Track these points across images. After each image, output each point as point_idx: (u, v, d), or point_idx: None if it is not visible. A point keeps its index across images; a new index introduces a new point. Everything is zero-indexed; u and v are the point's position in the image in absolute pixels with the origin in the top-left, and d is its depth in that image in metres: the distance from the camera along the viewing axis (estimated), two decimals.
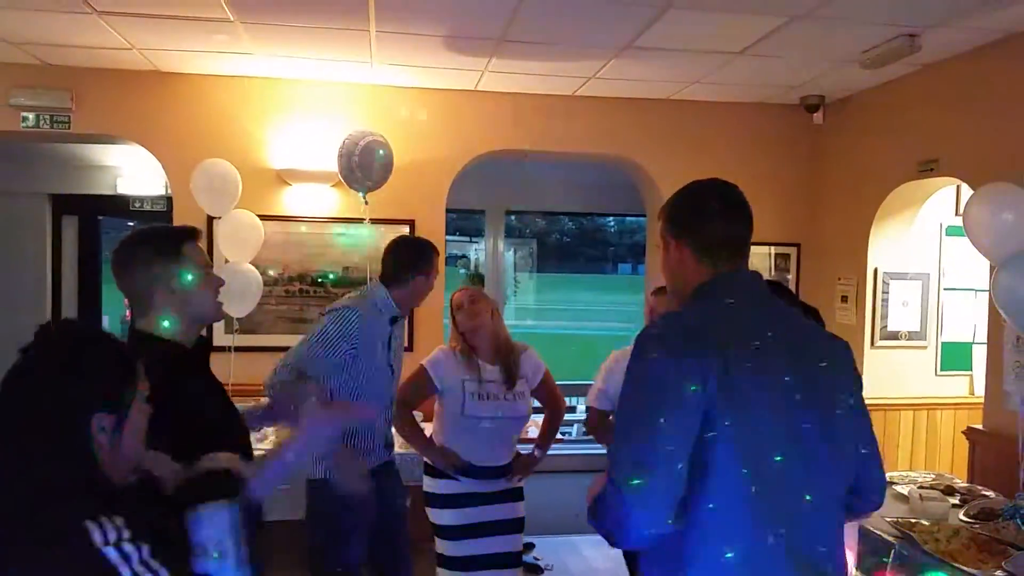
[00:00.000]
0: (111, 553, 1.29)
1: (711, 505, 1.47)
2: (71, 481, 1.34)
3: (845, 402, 1.63)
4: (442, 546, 3.31)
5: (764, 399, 1.51)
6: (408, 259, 3.10)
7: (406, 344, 4.91)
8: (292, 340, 3.17)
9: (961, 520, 3.00)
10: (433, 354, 3.35)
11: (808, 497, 1.53)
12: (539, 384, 3.41)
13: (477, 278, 9.50)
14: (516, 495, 3.38)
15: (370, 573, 3.17)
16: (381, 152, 4.48)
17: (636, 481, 1.44)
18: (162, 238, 2.00)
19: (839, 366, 1.67)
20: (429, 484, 3.33)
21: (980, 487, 3.50)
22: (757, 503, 1.48)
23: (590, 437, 4.07)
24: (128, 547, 1.30)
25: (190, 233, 2.05)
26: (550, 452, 3.50)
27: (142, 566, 1.31)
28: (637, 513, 1.46)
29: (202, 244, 2.07)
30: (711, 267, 1.67)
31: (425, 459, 3.36)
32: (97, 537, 1.29)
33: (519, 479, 3.35)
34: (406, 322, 4.92)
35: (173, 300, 1.94)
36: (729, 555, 1.47)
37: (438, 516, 3.30)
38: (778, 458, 1.50)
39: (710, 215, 1.71)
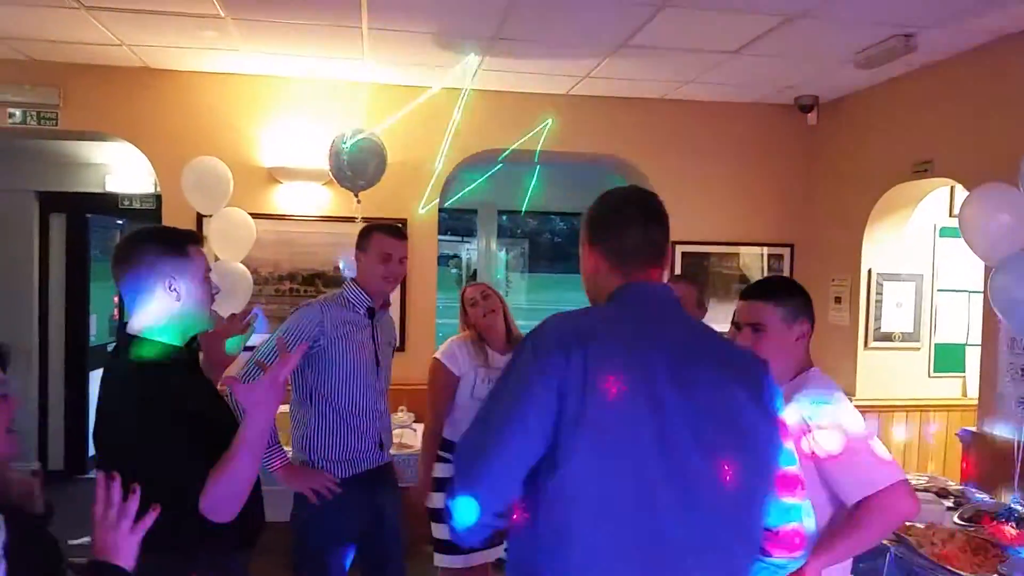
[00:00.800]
0: None
1: (554, 511, 1.41)
2: None
3: (750, 428, 1.50)
4: (437, 530, 3.39)
5: (627, 409, 1.40)
6: (357, 241, 3.10)
7: (397, 344, 4.92)
8: None
9: (955, 523, 2.98)
10: (445, 347, 3.45)
11: (677, 526, 1.41)
12: None
13: (471, 279, 9.48)
14: None
15: None
16: (372, 151, 4.43)
17: (472, 464, 1.45)
18: (169, 238, 2.00)
19: (746, 387, 1.52)
20: (436, 469, 3.43)
21: (974, 489, 3.49)
22: (606, 526, 1.40)
23: None
24: None
25: (194, 237, 2.07)
26: None
27: None
28: (464, 496, 1.43)
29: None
30: (623, 275, 1.61)
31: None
32: None
33: None
34: (397, 322, 4.92)
35: (172, 300, 1.93)
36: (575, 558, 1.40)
37: (438, 500, 3.35)
38: (632, 479, 1.40)
39: (626, 222, 1.63)
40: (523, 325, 3.46)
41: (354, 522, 2.97)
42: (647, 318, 1.55)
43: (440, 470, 3.43)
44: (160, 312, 1.93)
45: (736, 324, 2.19)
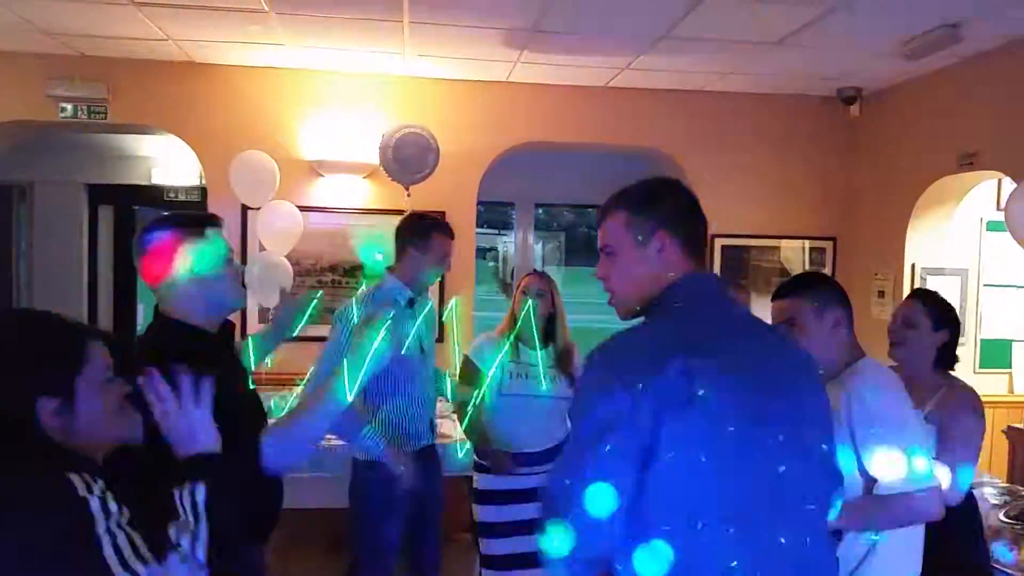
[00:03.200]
0: (94, 503, 1.30)
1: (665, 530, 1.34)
2: (36, 455, 1.37)
3: (824, 435, 1.52)
4: (486, 545, 3.32)
5: (735, 427, 1.36)
6: (401, 235, 3.09)
7: (436, 336, 4.96)
8: (323, 330, 3.14)
9: (1001, 520, 2.94)
10: (476, 341, 3.44)
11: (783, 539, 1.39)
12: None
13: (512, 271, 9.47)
14: None
15: (400, 554, 3.18)
16: (427, 146, 4.42)
17: (559, 522, 1.37)
18: (184, 224, 2.02)
19: (814, 387, 1.55)
20: (477, 480, 3.37)
21: (1021, 488, 3.43)
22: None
23: None
24: (112, 504, 1.32)
25: (211, 220, 2.08)
26: None
27: (118, 528, 1.32)
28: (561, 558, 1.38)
29: (228, 233, 2.11)
30: (693, 264, 1.55)
31: (475, 456, 3.41)
32: (80, 488, 1.30)
33: None
34: (436, 313, 4.96)
35: (194, 284, 1.96)
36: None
37: (484, 513, 3.32)
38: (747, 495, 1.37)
39: (693, 207, 1.60)
40: None
41: (406, 495, 3.01)
42: (721, 316, 1.55)
43: (481, 482, 3.36)
44: (185, 296, 1.97)
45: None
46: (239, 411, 1.96)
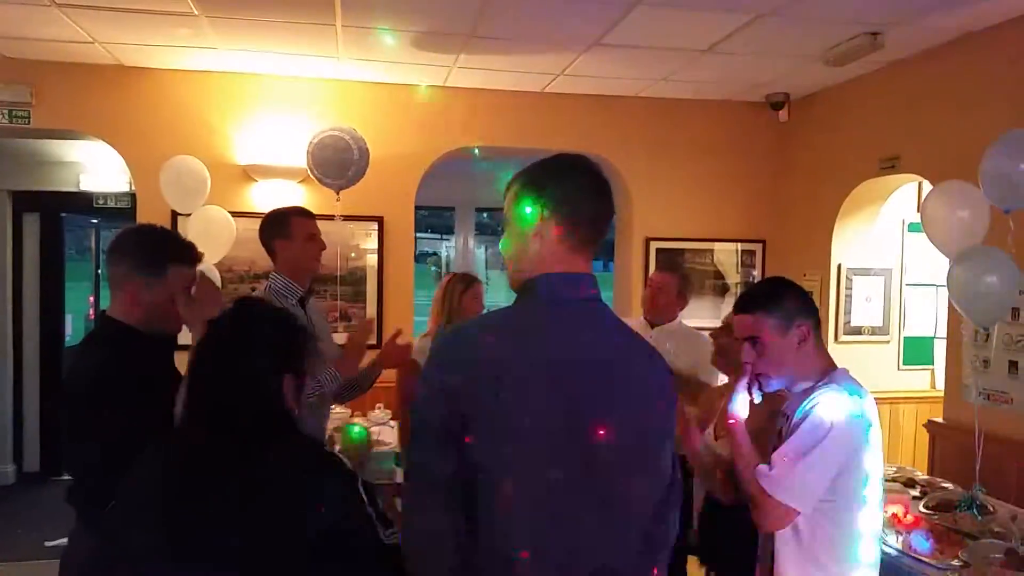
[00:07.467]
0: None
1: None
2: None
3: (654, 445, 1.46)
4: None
5: (533, 434, 1.33)
6: (265, 233, 3.02)
7: (374, 341, 4.93)
8: None
9: (920, 511, 3.05)
10: (417, 345, 3.35)
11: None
12: None
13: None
14: None
15: None
16: (353, 150, 4.40)
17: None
18: (156, 251, 2.09)
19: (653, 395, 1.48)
20: None
21: (939, 479, 3.56)
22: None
23: None
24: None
25: (179, 256, 2.12)
26: None
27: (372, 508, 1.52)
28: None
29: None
30: (574, 259, 1.46)
31: None
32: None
33: None
34: (376, 320, 4.94)
35: (141, 304, 2.05)
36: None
37: None
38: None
39: (590, 194, 1.49)
40: None
41: None
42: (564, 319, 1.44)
43: None
44: (128, 308, 2.06)
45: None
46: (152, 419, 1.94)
